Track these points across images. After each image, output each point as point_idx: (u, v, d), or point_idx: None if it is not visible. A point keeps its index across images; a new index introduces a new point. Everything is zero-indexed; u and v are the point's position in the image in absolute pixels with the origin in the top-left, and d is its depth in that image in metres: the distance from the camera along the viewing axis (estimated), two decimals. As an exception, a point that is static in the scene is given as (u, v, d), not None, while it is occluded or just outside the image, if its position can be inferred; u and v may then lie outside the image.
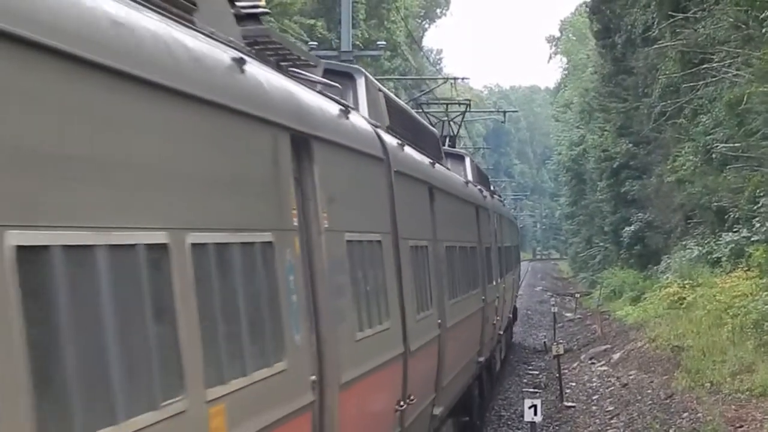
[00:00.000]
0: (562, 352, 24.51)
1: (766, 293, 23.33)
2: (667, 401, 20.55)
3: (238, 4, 7.65)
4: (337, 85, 9.82)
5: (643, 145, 47.07)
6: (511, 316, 34.95)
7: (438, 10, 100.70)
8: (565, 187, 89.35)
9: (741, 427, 17.19)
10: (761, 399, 18.79)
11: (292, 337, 6.54)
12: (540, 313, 51.80)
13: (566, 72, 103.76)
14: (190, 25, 5.90)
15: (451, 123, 34.50)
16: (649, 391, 22.06)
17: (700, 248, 34.20)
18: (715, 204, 32.20)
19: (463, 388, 17.67)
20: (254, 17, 7.90)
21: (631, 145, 49.05)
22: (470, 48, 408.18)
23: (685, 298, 30.24)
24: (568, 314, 48.34)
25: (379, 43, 42.72)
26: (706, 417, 18.08)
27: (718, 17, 27.68)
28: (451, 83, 48.11)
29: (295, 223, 6.91)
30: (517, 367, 31.88)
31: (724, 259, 30.62)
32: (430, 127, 20.32)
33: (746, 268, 26.86)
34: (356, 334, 8.48)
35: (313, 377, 7.04)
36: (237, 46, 6.75)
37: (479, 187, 24.50)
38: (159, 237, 4.60)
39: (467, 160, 25.56)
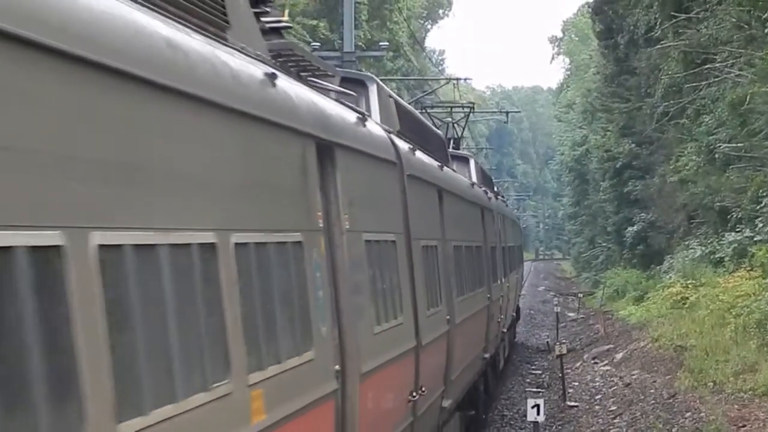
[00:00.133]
0: (565, 351, 24.46)
1: (768, 293, 23.30)
2: (670, 401, 20.48)
3: (263, 19, 8.19)
4: (352, 93, 10.35)
5: (645, 145, 47.00)
6: (514, 314, 35.34)
7: (440, 11, 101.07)
8: (567, 187, 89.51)
9: (744, 426, 17.17)
10: (764, 398, 18.73)
11: (319, 329, 7.09)
12: (543, 312, 51.76)
13: (569, 72, 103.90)
14: (225, 42, 6.44)
15: (455, 125, 34.92)
16: (652, 391, 22.01)
17: (703, 248, 34.15)
18: (718, 204, 32.20)
19: (470, 383, 18.20)
20: (277, 31, 8.45)
21: (633, 145, 48.92)
22: (473, 48, 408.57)
23: (687, 298, 30.15)
24: (570, 314, 48.29)
25: (381, 43, 42.78)
26: (709, 417, 18.03)
27: (720, 17, 27.54)
28: (454, 84, 48.31)
29: (321, 225, 7.49)
30: (520, 366, 31.91)
31: (727, 258, 30.56)
32: (437, 130, 20.82)
33: (749, 268, 26.73)
34: (374, 327, 9.03)
35: (337, 367, 7.60)
36: (266, 60, 7.29)
37: (484, 188, 25.03)
38: (209, 237, 5.16)
39: (472, 162, 26.11)
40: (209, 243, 5.16)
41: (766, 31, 23.47)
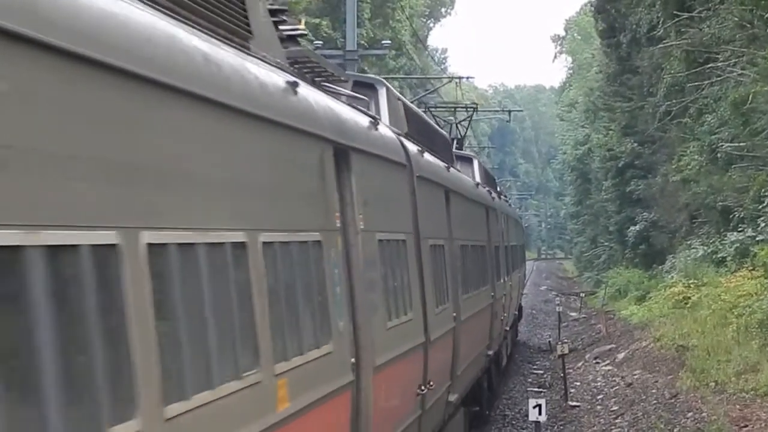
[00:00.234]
0: (566, 351, 24.57)
1: (770, 293, 23.21)
2: (672, 401, 20.45)
3: (281, 27, 8.57)
4: (364, 97, 10.76)
5: (648, 144, 46.98)
6: (516, 313, 35.62)
7: (443, 10, 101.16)
8: (570, 186, 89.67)
9: (746, 426, 17.16)
10: (766, 398, 18.72)
11: (337, 323, 7.48)
12: (545, 312, 51.78)
13: (571, 71, 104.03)
14: (249, 52, 6.82)
15: (458, 125, 35.22)
16: (653, 391, 21.95)
17: (705, 248, 34.15)
18: (720, 203, 32.21)
19: (474, 379, 18.58)
20: (294, 38, 8.83)
21: (636, 144, 48.84)
22: (475, 47, 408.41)
23: (689, 298, 30.17)
24: (572, 314, 48.37)
25: (384, 42, 42.90)
26: (711, 417, 18.02)
27: (723, 16, 27.33)
28: (456, 82, 48.53)
29: (338, 225, 7.89)
30: (521, 366, 31.96)
31: (729, 258, 30.56)
32: (442, 131, 21.19)
33: (751, 268, 26.60)
34: (387, 323, 9.43)
35: (353, 359, 7.98)
36: (285, 68, 7.68)
37: (488, 188, 25.42)
38: (240, 236, 5.55)
39: (475, 163, 26.50)
40: (240, 242, 5.55)
41: (768, 30, 23.65)
